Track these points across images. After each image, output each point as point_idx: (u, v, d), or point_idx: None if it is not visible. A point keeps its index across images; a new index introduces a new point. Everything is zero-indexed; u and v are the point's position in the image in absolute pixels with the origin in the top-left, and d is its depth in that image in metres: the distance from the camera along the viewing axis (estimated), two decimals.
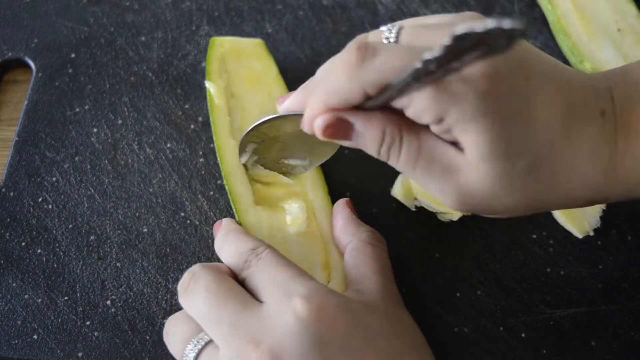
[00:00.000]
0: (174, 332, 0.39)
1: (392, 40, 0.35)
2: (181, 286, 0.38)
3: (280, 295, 0.35)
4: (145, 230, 0.48)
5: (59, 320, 0.44)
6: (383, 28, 0.36)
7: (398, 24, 0.36)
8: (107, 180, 0.50)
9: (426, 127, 0.34)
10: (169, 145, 0.52)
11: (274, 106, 0.50)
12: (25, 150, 0.52)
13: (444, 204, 0.36)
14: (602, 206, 0.48)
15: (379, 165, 0.50)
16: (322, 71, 0.37)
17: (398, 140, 0.34)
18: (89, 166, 0.51)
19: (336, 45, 0.57)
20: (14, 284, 0.46)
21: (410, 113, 0.33)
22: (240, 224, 0.45)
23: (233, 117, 0.50)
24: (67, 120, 0.53)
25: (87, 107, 0.54)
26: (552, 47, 0.56)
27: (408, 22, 0.36)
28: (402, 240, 0.47)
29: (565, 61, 0.55)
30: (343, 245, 0.43)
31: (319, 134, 0.35)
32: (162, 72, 0.56)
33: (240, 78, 0.52)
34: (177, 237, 0.47)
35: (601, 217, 0.47)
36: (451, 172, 0.34)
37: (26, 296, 0.45)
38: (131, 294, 0.45)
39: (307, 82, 0.39)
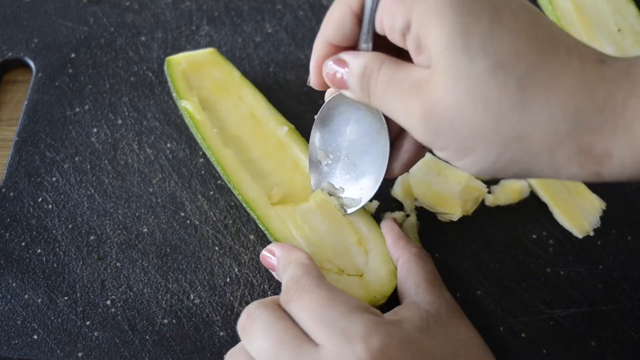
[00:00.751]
0: None
1: None
2: (240, 326, 0.37)
3: (337, 338, 0.34)
4: (145, 230, 0.48)
5: (59, 320, 0.44)
6: None
7: None
8: (107, 180, 0.50)
9: (408, 62, 0.35)
10: (168, 145, 0.52)
11: (247, 109, 0.51)
12: (25, 150, 0.52)
13: (413, 132, 0.34)
14: (602, 206, 0.48)
15: None
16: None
17: (377, 70, 0.35)
18: (89, 166, 0.51)
19: None
20: (14, 284, 0.46)
21: (386, 26, 0.35)
22: (267, 230, 0.45)
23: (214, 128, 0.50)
24: (67, 120, 0.53)
25: (87, 107, 0.54)
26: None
27: None
28: None
29: None
30: (395, 259, 0.44)
31: (325, 77, 0.38)
32: (162, 72, 0.56)
33: (206, 90, 0.52)
34: (177, 237, 0.47)
35: (601, 217, 0.47)
36: (418, 87, 0.33)
37: (26, 296, 0.45)
38: (131, 294, 0.45)
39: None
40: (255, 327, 0.36)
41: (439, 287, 0.42)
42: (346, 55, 0.37)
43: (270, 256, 0.42)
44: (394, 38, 0.35)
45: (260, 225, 0.45)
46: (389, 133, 0.41)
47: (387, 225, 0.45)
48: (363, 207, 0.44)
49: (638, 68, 0.30)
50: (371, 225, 0.45)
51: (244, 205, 0.46)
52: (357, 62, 0.37)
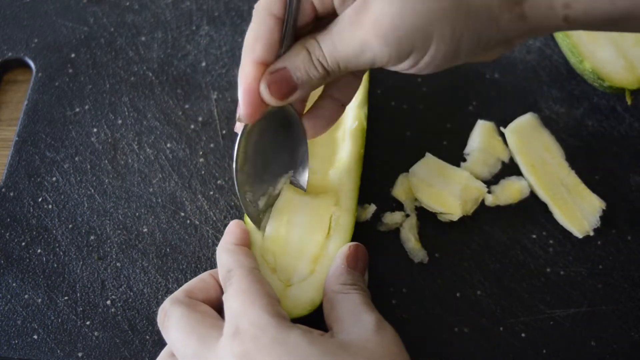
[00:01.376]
0: None
1: None
2: (158, 322, 0.39)
3: (230, 330, 0.36)
4: (145, 230, 0.48)
5: (59, 320, 0.44)
6: None
7: None
8: (107, 180, 0.50)
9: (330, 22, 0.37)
10: (169, 145, 0.52)
11: None
12: (25, 150, 0.52)
13: (377, 60, 0.36)
14: (602, 206, 0.48)
15: (379, 165, 0.50)
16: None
17: (316, 43, 0.37)
18: (89, 166, 0.51)
19: None
20: (14, 284, 0.46)
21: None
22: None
23: None
24: (67, 120, 0.53)
25: (87, 107, 0.54)
26: (552, 47, 0.56)
27: None
28: (402, 240, 0.47)
29: (565, 61, 0.55)
30: (323, 294, 0.42)
31: (267, 96, 0.38)
32: (162, 72, 0.56)
33: None
34: (177, 237, 0.47)
35: (601, 217, 0.47)
36: (357, 20, 0.35)
37: (26, 296, 0.45)
38: (131, 293, 0.45)
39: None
40: (171, 322, 0.38)
41: (361, 312, 0.39)
42: (278, 63, 0.38)
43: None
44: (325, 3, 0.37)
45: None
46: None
47: (336, 256, 0.42)
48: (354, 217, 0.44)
49: None
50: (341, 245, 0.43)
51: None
52: (295, 55, 0.38)
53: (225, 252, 0.41)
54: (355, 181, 0.46)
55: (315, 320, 0.40)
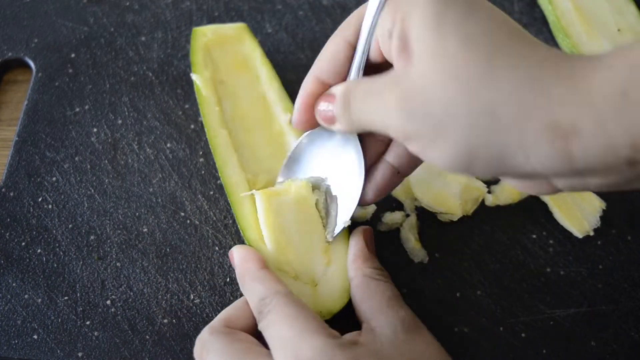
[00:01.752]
0: None
1: None
2: (196, 356, 0.39)
3: (285, 357, 0.35)
4: (145, 230, 0.48)
5: (59, 320, 0.44)
6: None
7: None
8: (107, 180, 0.50)
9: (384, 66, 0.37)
10: (169, 145, 0.52)
11: (261, 90, 0.51)
12: (25, 150, 0.52)
13: (387, 126, 0.34)
14: (602, 206, 0.48)
15: None
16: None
17: (354, 86, 0.37)
18: (89, 166, 0.51)
19: None
20: (14, 284, 0.46)
21: (379, 36, 0.36)
22: (236, 216, 0.45)
23: (224, 105, 0.50)
24: (67, 120, 0.53)
25: (87, 107, 0.54)
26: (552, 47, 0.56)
27: None
28: (402, 240, 0.47)
29: None
30: (350, 278, 0.42)
31: (317, 115, 0.39)
32: (162, 72, 0.56)
33: (226, 65, 0.53)
34: (177, 237, 0.47)
35: (601, 217, 0.47)
36: (394, 82, 0.34)
37: (26, 296, 0.45)
38: (131, 293, 0.45)
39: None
40: (211, 356, 0.37)
41: (393, 306, 0.40)
42: (333, 89, 0.39)
43: (231, 259, 0.44)
44: (385, 47, 0.36)
45: (233, 213, 0.45)
46: (365, 161, 0.41)
47: (354, 238, 0.44)
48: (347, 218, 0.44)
49: (599, 56, 0.30)
50: (343, 236, 0.44)
51: (223, 185, 0.47)
52: (340, 87, 0.38)
53: (253, 280, 0.40)
54: None
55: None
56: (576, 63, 0.30)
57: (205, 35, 0.53)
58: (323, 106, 0.39)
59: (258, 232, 0.44)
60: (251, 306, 0.40)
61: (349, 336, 0.38)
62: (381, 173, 0.42)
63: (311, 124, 0.41)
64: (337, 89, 0.38)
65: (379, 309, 0.40)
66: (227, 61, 0.53)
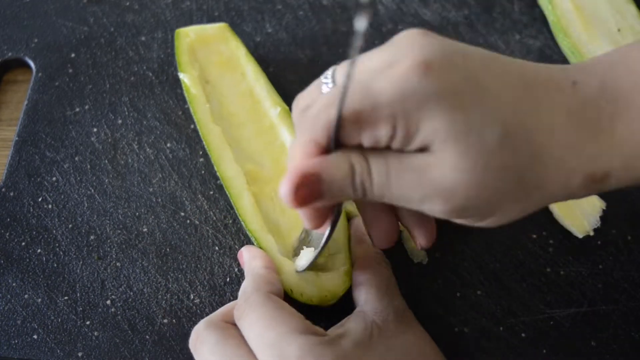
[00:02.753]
0: None
1: (329, 85, 0.35)
2: (191, 346, 0.39)
3: (270, 358, 0.35)
4: (145, 229, 0.48)
5: (59, 320, 0.44)
6: (322, 78, 0.36)
7: (332, 68, 0.36)
8: (107, 180, 0.50)
9: (386, 148, 0.33)
10: (168, 145, 0.52)
11: (247, 86, 0.52)
12: (25, 150, 0.52)
13: (434, 214, 0.33)
14: (602, 206, 0.48)
15: None
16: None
17: (366, 166, 0.32)
18: (89, 166, 0.51)
19: (336, 45, 0.57)
20: (14, 284, 0.46)
21: (366, 139, 0.32)
22: (237, 210, 0.45)
23: (212, 103, 0.51)
24: (67, 120, 0.53)
25: (87, 107, 0.54)
26: (552, 47, 0.56)
27: (342, 64, 0.36)
28: (402, 240, 0.47)
29: (565, 61, 0.55)
30: (353, 261, 0.43)
31: (289, 202, 0.32)
32: (162, 72, 0.56)
33: (211, 64, 0.53)
34: (177, 237, 0.47)
35: (601, 217, 0.47)
36: (424, 174, 0.32)
37: (26, 296, 0.45)
38: (131, 293, 0.45)
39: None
40: (204, 347, 0.37)
41: (390, 294, 0.40)
42: (316, 166, 0.32)
43: (240, 258, 0.44)
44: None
45: (234, 206, 0.46)
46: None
47: (354, 224, 0.45)
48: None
49: (611, 81, 0.33)
50: (341, 223, 0.44)
51: (222, 183, 0.47)
52: (337, 169, 0.32)
53: (249, 275, 0.41)
54: None
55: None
56: (598, 114, 0.33)
57: (188, 36, 0.53)
58: (301, 184, 0.32)
59: (259, 223, 0.44)
60: (238, 301, 0.40)
61: (335, 330, 0.38)
62: (390, 223, 0.39)
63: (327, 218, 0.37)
64: (332, 168, 0.32)
65: (375, 294, 0.40)
66: (212, 61, 0.53)
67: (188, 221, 0.48)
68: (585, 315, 0.44)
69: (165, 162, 0.51)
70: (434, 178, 0.31)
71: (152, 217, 0.48)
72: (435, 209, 0.33)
